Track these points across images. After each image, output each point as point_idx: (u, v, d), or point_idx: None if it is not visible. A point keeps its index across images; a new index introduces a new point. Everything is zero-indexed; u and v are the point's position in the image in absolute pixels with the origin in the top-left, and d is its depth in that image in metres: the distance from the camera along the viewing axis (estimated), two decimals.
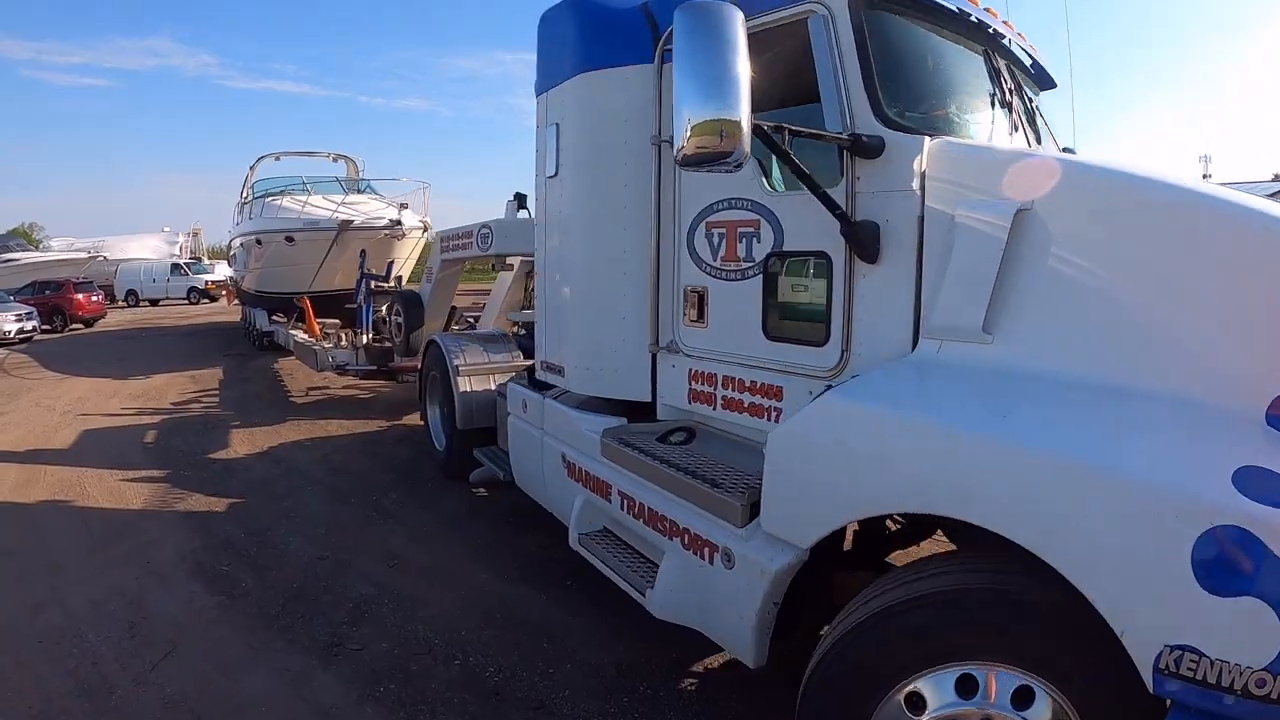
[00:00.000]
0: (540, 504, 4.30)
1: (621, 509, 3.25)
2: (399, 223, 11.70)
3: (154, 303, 31.71)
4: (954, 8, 2.83)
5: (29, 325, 18.66)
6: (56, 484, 6.33)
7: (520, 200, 6.95)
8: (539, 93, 3.88)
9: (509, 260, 7.41)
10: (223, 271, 35.15)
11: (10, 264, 28.33)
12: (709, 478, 2.75)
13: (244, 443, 7.60)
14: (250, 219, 14.76)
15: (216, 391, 10.70)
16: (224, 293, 31.87)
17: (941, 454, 1.90)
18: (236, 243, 16.45)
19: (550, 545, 4.63)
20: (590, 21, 3.47)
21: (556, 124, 3.65)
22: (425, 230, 12.56)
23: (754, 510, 2.50)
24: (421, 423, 7.06)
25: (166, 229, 39.35)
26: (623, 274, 3.44)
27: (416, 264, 15.22)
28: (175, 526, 5.29)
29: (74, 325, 21.48)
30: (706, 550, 2.65)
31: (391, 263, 10.39)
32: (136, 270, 32.29)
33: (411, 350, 8.05)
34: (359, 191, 14.61)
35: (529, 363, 5.79)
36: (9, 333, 17.74)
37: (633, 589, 3.03)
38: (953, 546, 3.01)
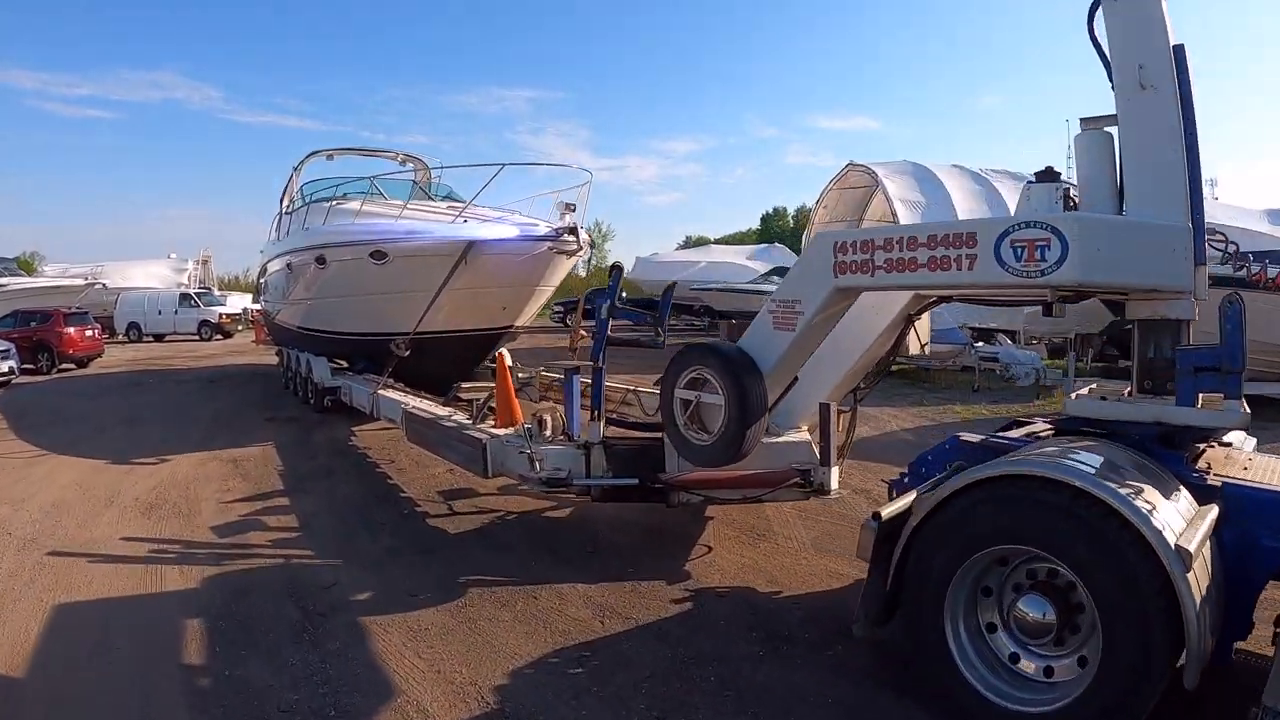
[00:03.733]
0: None
1: None
2: (571, 231, 7.44)
3: (159, 338, 27.41)
4: None
5: (5, 366, 14.39)
6: None
7: (1057, 180, 3.05)
8: None
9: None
10: (236, 303, 31.10)
11: None
12: None
13: (417, 667, 3.40)
14: (305, 230, 10.49)
15: (285, 499, 6.38)
16: (242, 327, 27.98)
17: None
18: (275, 264, 12.15)
19: None
20: None
21: None
22: (594, 247, 8.45)
23: None
24: (888, 640, 2.92)
25: (173, 255, 35.40)
26: None
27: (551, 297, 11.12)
28: None
29: (64, 365, 17.12)
30: None
31: (672, 285, 5.81)
32: (140, 300, 27.96)
33: (740, 454, 3.85)
34: (431, 198, 10.55)
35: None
36: None
37: None
38: None
